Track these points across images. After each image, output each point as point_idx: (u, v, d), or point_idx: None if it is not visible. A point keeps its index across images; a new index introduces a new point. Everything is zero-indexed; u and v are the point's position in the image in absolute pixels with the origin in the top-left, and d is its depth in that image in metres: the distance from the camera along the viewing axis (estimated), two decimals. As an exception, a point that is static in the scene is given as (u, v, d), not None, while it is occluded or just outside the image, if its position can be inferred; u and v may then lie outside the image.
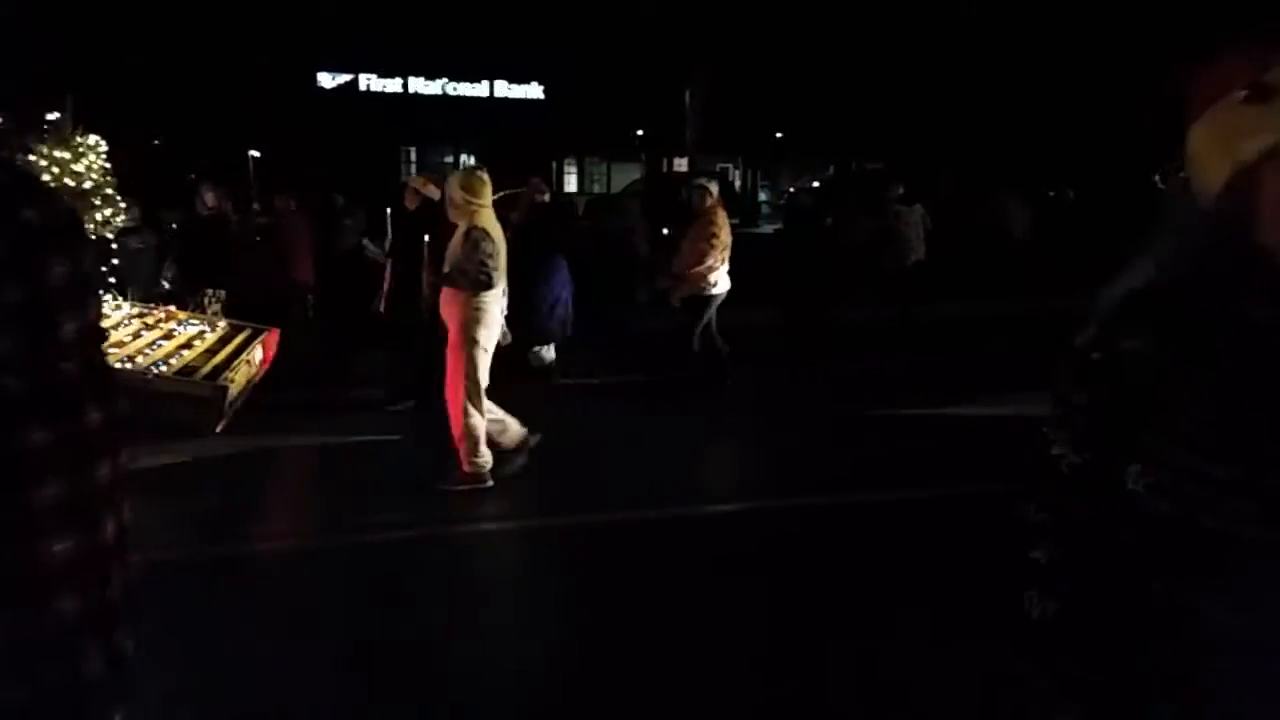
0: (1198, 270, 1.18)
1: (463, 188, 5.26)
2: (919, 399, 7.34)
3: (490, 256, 5.14)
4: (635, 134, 32.73)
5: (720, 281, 7.61)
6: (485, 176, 5.36)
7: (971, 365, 8.67)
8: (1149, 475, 1.15)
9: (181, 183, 17.91)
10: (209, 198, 8.69)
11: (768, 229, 23.67)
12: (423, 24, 28.64)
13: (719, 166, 32.85)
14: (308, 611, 4.01)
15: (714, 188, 7.87)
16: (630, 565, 4.48)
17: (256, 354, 6.52)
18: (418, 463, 5.64)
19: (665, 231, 11.51)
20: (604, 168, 36.74)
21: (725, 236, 7.55)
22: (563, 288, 8.19)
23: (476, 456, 5.31)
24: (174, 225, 8.99)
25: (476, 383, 5.24)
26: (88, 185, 6.15)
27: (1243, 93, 1.11)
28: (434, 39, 29.37)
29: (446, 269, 5.29)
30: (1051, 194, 20.93)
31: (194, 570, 4.35)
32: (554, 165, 34.16)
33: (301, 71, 30.30)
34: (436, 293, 5.41)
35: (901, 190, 10.65)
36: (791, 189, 27.96)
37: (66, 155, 6.09)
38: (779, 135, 33.52)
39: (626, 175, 32.62)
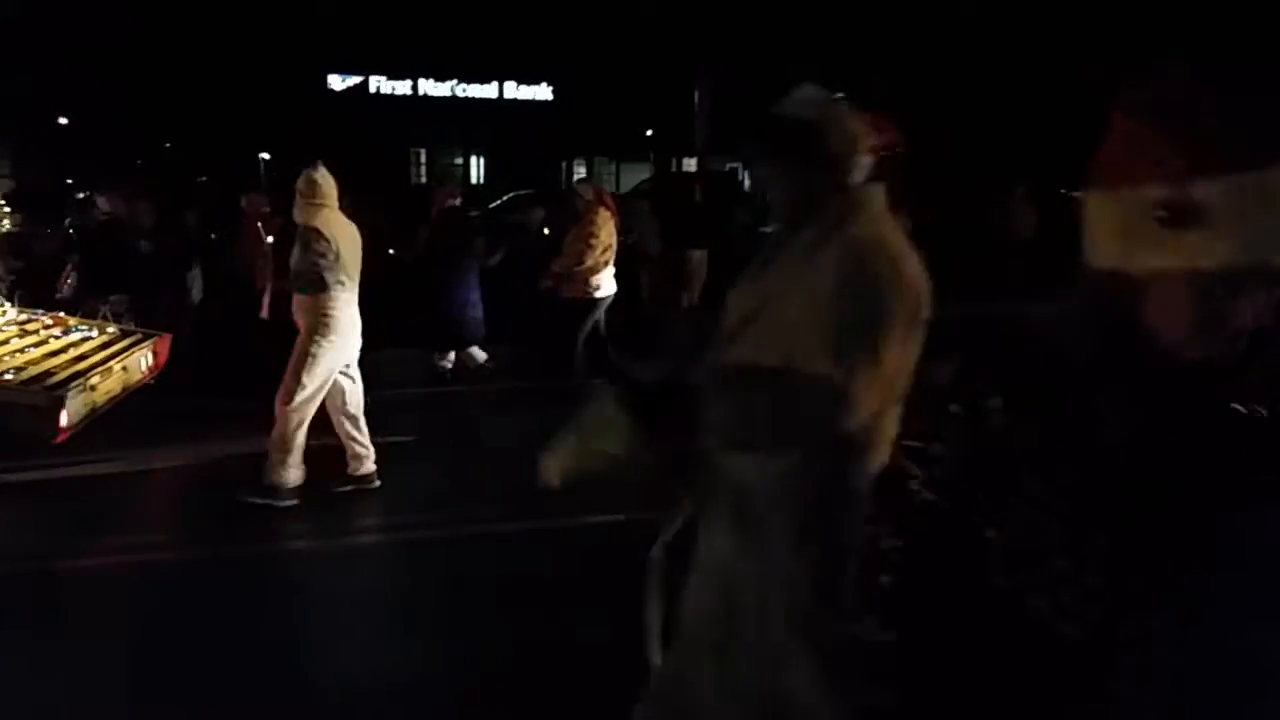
0: (1070, 340, 1.10)
1: (298, 188, 5.14)
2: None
3: (322, 256, 4.98)
4: (644, 134, 32.74)
5: (604, 285, 7.43)
6: (317, 176, 5.16)
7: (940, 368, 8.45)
8: (991, 539, 1.11)
9: (194, 185, 18.07)
10: (102, 202, 8.37)
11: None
12: (432, 26, 28.71)
13: (728, 166, 32.83)
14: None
15: (590, 189, 7.72)
16: (523, 575, 4.41)
17: (141, 360, 6.24)
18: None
19: (545, 231, 11.38)
20: (613, 168, 36.75)
21: (605, 237, 7.35)
22: (471, 290, 8.10)
23: (285, 469, 5.09)
24: (71, 231, 8.63)
25: (312, 391, 5.07)
26: None
27: (1161, 210, 0.97)
28: (443, 40, 29.42)
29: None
30: (1062, 192, 20.84)
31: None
32: (563, 165, 34.20)
33: (311, 74, 30.40)
34: (277, 295, 5.25)
35: None
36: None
37: None
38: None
39: (636, 175, 32.60)
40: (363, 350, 5.48)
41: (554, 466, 2.16)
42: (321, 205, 5.12)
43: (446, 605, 4.17)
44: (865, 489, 2.06)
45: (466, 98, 33.21)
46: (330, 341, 5.10)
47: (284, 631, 3.96)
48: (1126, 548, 1.01)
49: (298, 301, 5.13)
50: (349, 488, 5.40)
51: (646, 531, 2.25)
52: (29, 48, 22.49)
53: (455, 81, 32.96)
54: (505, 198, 20.75)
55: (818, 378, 1.88)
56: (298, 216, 5.15)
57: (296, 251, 5.09)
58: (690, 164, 31.02)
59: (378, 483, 5.45)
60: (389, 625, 4.06)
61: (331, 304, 5.07)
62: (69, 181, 19.24)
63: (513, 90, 33.69)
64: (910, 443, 1.23)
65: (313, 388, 5.09)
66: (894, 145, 2.30)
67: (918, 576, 1.20)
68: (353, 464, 5.42)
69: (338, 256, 5.05)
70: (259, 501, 5.08)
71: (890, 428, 2.13)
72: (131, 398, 6.29)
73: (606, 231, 7.41)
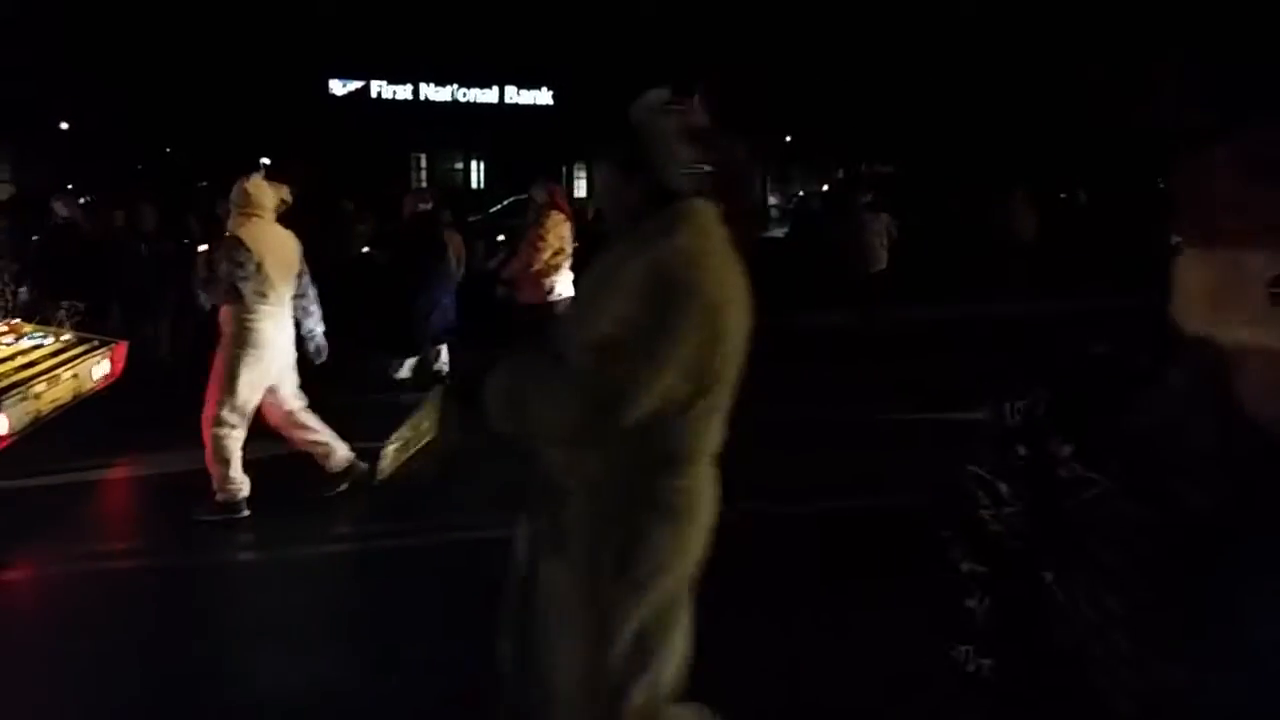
0: (1155, 400, 1.02)
1: (231, 197, 5.09)
2: (862, 405, 7.16)
3: (239, 267, 4.87)
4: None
5: (560, 288, 7.33)
6: (249, 186, 5.06)
7: (930, 371, 8.37)
8: (1056, 592, 1.07)
9: (195, 190, 18.06)
10: (59, 207, 8.36)
11: (778, 233, 23.63)
12: (433, 30, 28.72)
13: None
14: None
15: (544, 192, 7.59)
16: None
17: (96, 367, 6.12)
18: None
19: (500, 238, 11.44)
20: (614, 172, 36.73)
21: (554, 240, 7.25)
22: (444, 293, 8.08)
23: (229, 484, 5.00)
24: (34, 237, 8.60)
25: (235, 404, 4.96)
26: None
27: (1275, 285, 0.88)
28: (444, 45, 29.42)
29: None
30: (1063, 196, 20.86)
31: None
32: (564, 170, 34.19)
33: (312, 78, 30.41)
34: (214, 308, 5.17)
35: (869, 198, 10.85)
36: (800, 193, 27.87)
37: None
38: (789, 139, 33.47)
39: (636, 179, 32.62)
40: (347, 353, 5.39)
41: (387, 458, 2.19)
42: (251, 215, 5.02)
43: (438, 608, 4.15)
44: (684, 504, 2.07)
45: (467, 102, 33.21)
46: (251, 355, 4.98)
47: (272, 636, 3.95)
48: (1195, 629, 0.94)
49: (224, 310, 5.05)
50: (343, 486, 5.36)
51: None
52: (29, 51, 22.50)
53: (456, 86, 32.96)
54: (505, 202, 20.78)
55: (587, 373, 1.90)
56: (229, 226, 5.07)
57: (220, 260, 5.02)
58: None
59: (364, 465, 5.35)
60: (379, 628, 4.03)
61: (251, 316, 4.97)
62: (70, 186, 19.26)
63: (514, 95, 33.69)
64: (978, 470, 1.17)
65: (236, 401, 4.98)
66: (732, 160, 2.29)
67: (1005, 606, 1.15)
68: (327, 462, 5.35)
69: (259, 268, 4.94)
70: (214, 519, 5.01)
71: (709, 442, 2.10)
72: (135, 401, 6.26)
73: (556, 234, 7.31)
